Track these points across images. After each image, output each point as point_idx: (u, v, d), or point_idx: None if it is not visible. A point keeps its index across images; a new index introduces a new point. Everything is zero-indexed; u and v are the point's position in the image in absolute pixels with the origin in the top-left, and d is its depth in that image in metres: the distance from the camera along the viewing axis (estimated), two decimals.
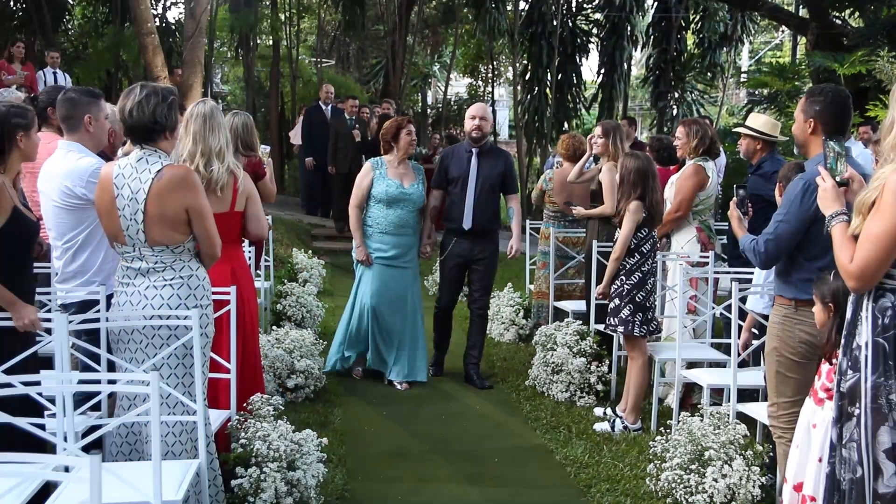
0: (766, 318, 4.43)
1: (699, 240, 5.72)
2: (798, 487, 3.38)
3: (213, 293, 3.70)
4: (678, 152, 6.00)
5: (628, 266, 5.15)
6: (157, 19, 14.91)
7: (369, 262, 5.99)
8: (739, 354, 4.51)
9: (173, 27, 17.03)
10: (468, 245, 6.12)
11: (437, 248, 6.51)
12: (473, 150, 6.12)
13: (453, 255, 6.17)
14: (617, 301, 5.19)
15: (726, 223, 4.57)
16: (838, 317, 3.17)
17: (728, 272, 5.35)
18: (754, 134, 5.47)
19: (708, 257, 5.62)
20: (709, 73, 18.10)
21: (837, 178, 3.03)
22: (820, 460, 3.27)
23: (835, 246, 2.82)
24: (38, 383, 2.87)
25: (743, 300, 4.63)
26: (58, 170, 3.94)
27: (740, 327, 4.61)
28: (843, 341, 2.84)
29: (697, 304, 5.51)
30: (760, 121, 5.55)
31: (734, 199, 4.15)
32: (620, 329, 5.16)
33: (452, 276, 6.26)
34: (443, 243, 6.29)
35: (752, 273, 4.96)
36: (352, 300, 6.18)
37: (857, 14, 11.93)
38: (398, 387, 6.04)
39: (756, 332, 5.04)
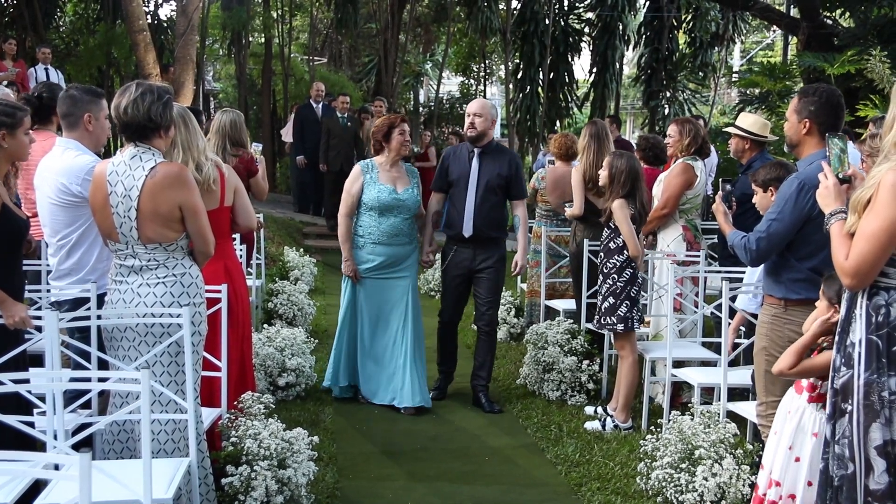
0: (756, 318, 4.45)
1: (685, 238, 5.74)
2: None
3: (207, 291, 3.70)
4: (669, 150, 6.00)
5: (618, 264, 5.16)
6: (148, 16, 14.84)
7: (357, 279, 5.55)
8: (729, 353, 4.53)
9: (165, 24, 16.96)
10: (469, 254, 5.64)
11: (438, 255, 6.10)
12: (475, 150, 5.65)
13: (454, 264, 5.69)
14: (612, 300, 5.18)
15: (716, 223, 4.60)
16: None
17: (719, 271, 5.37)
18: (743, 134, 5.50)
19: (695, 256, 5.64)
20: (700, 73, 18.18)
21: (840, 175, 2.99)
22: (791, 448, 3.29)
23: (832, 243, 2.81)
24: (27, 381, 2.86)
25: (733, 299, 4.64)
26: (55, 167, 3.93)
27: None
28: (836, 338, 2.86)
29: (684, 300, 5.52)
30: (749, 120, 5.57)
31: (719, 193, 4.16)
32: (620, 327, 5.16)
33: (455, 289, 5.76)
34: (443, 252, 5.83)
35: (744, 272, 4.97)
36: (342, 319, 5.69)
37: (847, 14, 11.97)
38: (402, 412, 5.50)
39: (743, 328, 5.07)
